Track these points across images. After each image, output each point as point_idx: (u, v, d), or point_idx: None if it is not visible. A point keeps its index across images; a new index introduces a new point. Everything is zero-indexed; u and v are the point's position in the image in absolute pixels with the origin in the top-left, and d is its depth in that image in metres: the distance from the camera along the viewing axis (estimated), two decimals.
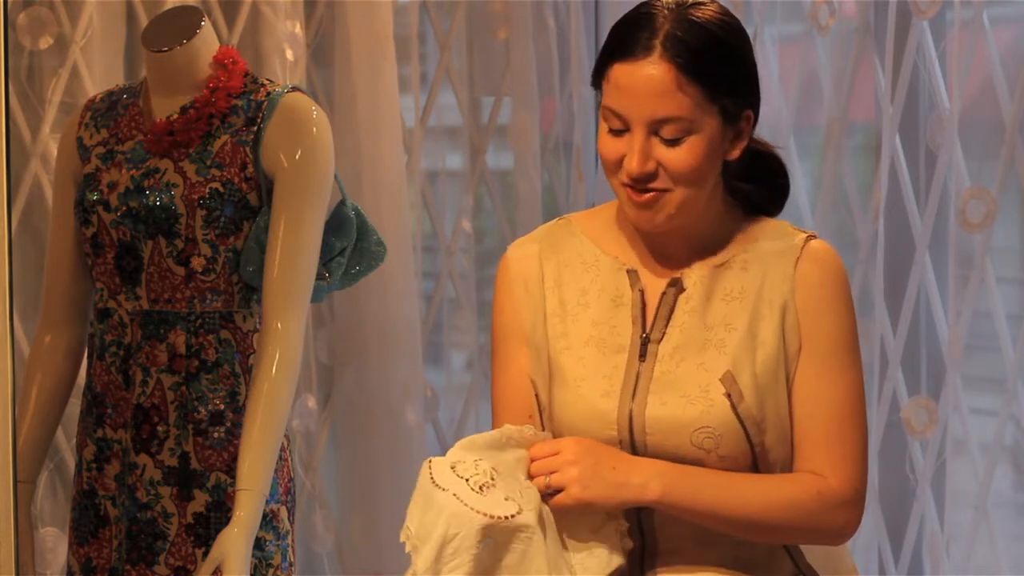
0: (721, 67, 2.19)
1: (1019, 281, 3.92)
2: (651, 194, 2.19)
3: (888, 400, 3.67)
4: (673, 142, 2.17)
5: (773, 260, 2.25)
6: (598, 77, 2.23)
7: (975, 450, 3.56)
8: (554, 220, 2.38)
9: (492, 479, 2.12)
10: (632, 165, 2.17)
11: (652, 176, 2.18)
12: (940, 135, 3.57)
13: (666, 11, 2.19)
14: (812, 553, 2.32)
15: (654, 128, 2.17)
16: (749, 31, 3.84)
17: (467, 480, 2.11)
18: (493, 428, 2.32)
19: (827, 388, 2.22)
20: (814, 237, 2.28)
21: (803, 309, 2.23)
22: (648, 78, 2.16)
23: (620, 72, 2.18)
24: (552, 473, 2.14)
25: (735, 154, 2.25)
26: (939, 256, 3.65)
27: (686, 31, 2.16)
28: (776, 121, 3.85)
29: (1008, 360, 3.49)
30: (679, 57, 2.15)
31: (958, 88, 3.49)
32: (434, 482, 2.10)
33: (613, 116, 2.19)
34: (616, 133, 2.20)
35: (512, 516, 2.09)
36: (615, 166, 2.21)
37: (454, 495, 2.09)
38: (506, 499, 2.10)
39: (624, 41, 2.19)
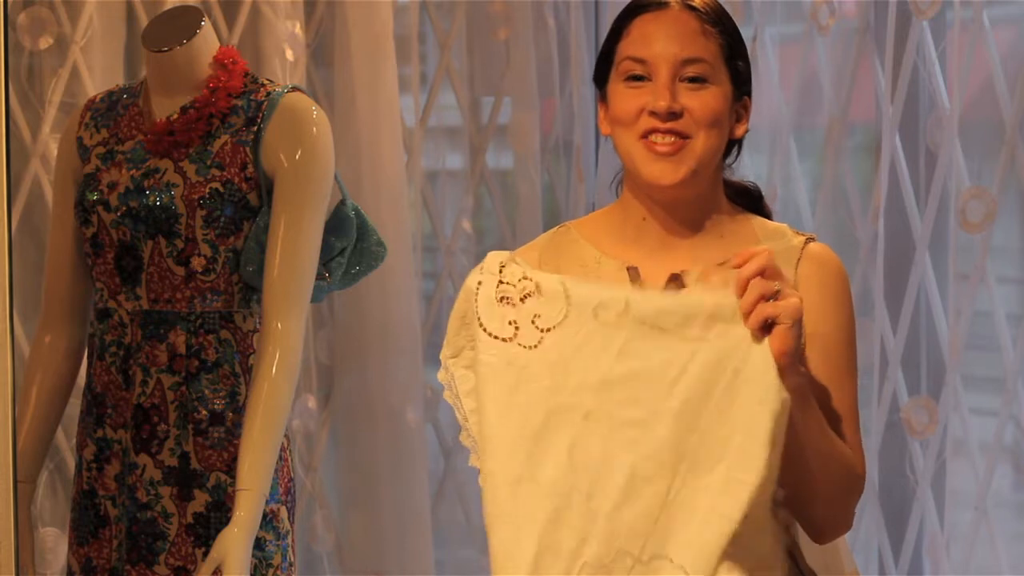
0: (730, 26, 2.27)
1: (1019, 281, 3.92)
2: (674, 143, 2.20)
3: (888, 400, 3.67)
4: (697, 87, 2.21)
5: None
6: (613, 43, 2.27)
7: (975, 450, 3.56)
8: (554, 228, 2.40)
9: (523, 298, 2.13)
10: (661, 102, 2.20)
11: (678, 116, 2.20)
12: (940, 135, 3.57)
13: None
14: (812, 554, 2.32)
15: (678, 71, 2.21)
16: (749, 31, 3.88)
17: (501, 283, 2.13)
18: None
19: (836, 387, 2.25)
20: (813, 239, 2.29)
21: (807, 310, 2.24)
22: (675, 20, 2.23)
23: (644, 21, 2.25)
24: (778, 297, 2.05)
25: (739, 132, 2.28)
26: (939, 256, 3.65)
27: None
28: (776, 121, 3.85)
29: (1008, 360, 3.49)
30: (696, 8, 2.24)
31: (958, 88, 3.49)
32: (480, 268, 2.15)
33: (635, 63, 2.23)
34: (635, 85, 2.23)
35: (504, 339, 2.11)
36: (633, 117, 2.22)
37: (479, 283, 2.14)
38: (509, 322, 2.12)
39: (639, 4, 2.27)
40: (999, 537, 3.53)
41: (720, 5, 2.28)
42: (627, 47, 2.25)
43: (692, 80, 2.22)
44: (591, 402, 2.08)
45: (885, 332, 3.67)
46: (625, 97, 2.24)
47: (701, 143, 2.22)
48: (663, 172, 2.22)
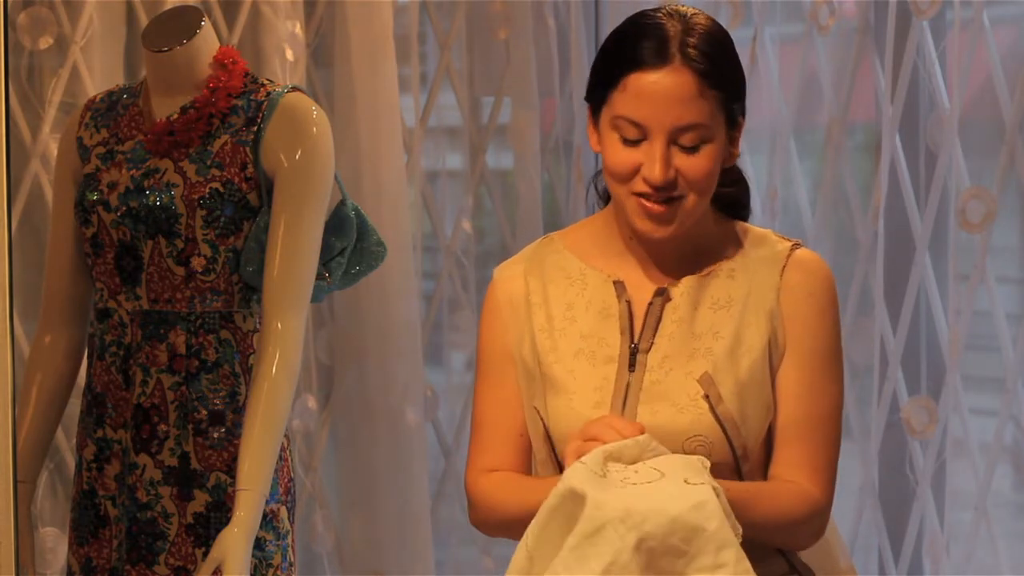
0: (732, 72, 2.23)
1: (1019, 281, 3.92)
2: (666, 205, 2.20)
3: (888, 400, 3.67)
4: (692, 150, 2.19)
5: (759, 268, 2.26)
6: (605, 88, 2.23)
7: (975, 450, 3.56)
8: (538, 239, 2.40)
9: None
10: (656, 174, 2.18)
11: (673, 184, 2.19)
12: (940, 135, 3.57)
13: (670, 20, 2.21)
14: (809, 552, 2.32)
15: (674, 136, 2.18)
16: (749, 31, 3.88)
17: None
18: (476, 436, 2.33)
19: (811, 397, 2.24)
20: (799, 246, 2.29)
21: (790, 317, 2.24)
22: (672, 86, 2.18)
23: (640, 81, 2.19)
24: None
25: (733, 160, 2.28)
26: (939, 256, 3.65)
27: (698, 38, 2.19)
28: (776, 121, 3.85)
29: (1008, 360, 3.49)
30: (699, 64, 2.18)
31: (958, 88, 3.49)
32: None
33: (630, 126, 2.19)
34: (631, 143, 2.20)
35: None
36: (628, 175, 2.21)
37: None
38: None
39: (637, 51, 2.20)
40: (999, 537, 3.53)
41: (720, 44, 2.21)
42: (622, 103, 2.20)
43: (688, 145, 2.20)
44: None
45: (885, 332, 3.67)
46: (619, 153, 2.21)
47: (693, 202, 2.22)
48: (655, 229, 2.22)
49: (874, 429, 3.66)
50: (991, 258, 3.49)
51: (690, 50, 2.17)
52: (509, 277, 2.36)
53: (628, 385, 2.23)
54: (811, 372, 2.24)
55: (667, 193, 2.20)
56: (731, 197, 2.35)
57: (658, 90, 2.17)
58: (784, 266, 2.26)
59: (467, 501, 2.35)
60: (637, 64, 2.19)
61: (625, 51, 2.21)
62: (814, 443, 2.23)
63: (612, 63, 2.22)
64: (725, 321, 2.24)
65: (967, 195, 3.47)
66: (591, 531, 2.06)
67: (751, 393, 2.21)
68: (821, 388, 2.25)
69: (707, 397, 2.20)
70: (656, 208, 2.20)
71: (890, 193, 3.63)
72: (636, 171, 2.20)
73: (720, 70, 2.19)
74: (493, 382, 2.33)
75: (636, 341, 2.25)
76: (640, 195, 2.20)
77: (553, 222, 4.05)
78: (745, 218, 2.37)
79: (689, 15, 2.22)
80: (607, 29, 4.13)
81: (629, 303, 2.27)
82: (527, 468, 2.33)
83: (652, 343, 2.24)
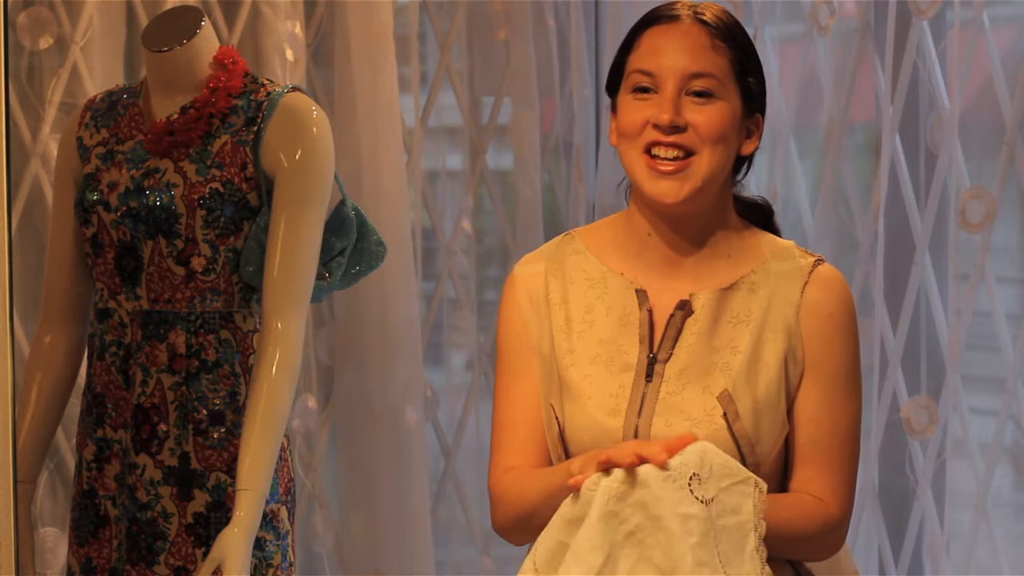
0: (744, 40, 2.27)
1: (1019, 281, 3.92)
2: (677, 162, 2.20)
3: (888, 400, 3.67)
4: (703, 102, 2.22)
5: (780, 283, 2.25)
6: (624, 55, 2.27)
7: (975, 450, 3.56)
8: (559, 236, 2.39)
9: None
10: (664, 114, 2.20)
11: (681, 130, 2.20)
12: (940, 135, 3.57)
13: (682, 2, 2.30)
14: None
15: (685, 85, 2.22)
16: (749, 31, 3.86)
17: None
18: (499, 435, 2.33)
19: (830, 416, 2.24)
20: (822, 261, 2.28)
21: (809, 336, 2.24)
22: (683, 34, 2.24)
23: (653, 33, 2.25)
24: None
25: (748, 149, 2.28)
26: (939, 256, 3.65)
27: (709, 9, 2.27)
28: (776, 121, 3.85)
29: (1008, 360, 3.49)
30: (708, 23, 2.25)
31: (958, 88, 3.49)
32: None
33: (643, 76, 2.24)
34: (642, 97, 2.23)
35: None
36: (638, 130, 2.23)
37: None
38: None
39: (651, 16, 2.28)
40: (999, 537, 3.53)
41: (734, 20, 2.27)
42: (636, 59, 2.25)
43: (698, 94, 2.22)
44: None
45: (885, 332, 3.67)
46: (631, 109, 2.24)
47: (705, 160, 2.21)
48: (667, 190, 2.22)
49: (874, 429, 3.66)
50: (991, 258, 3.49)
51: (700, 14, 2.26)
52: (530, 274, 2.35)
53: (644, 395, 2.23)
54: (830, 393, 2.24)
55: (676, 138, 2.20)
56: (755, 206, 2.35)
57: (670, 39, 2.24)
58: (806, 283, 2.26)
59: (490, 503, 2.33)
60: (650, 23, 2.27)
61: (639, 23, 2.29)
62: (833, 462, 2.24)
63: (629, 35, 2.29)
64: (743, 335, 2.23)
65: (967, 195, 3.47)
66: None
67: (767, 411, 2.21)
68: (840, 408, 2.25)
69: (725, 415, 2.20)
70: (665, 165, 2.21)
71: (890, 193, 3.63)
72: (646, 124, 2.22)
73: (731, 32, 2.25)
74: (515, 379, 2.32)
75: (655, 351, 2.24)
76: (650, 150, 2.21)
77: (553, 222, 4.05)
78: (773, 229, 2.36)
79: (700, 4, 2.30)
80: (607, 29, 4.13)
81: (650, 311, 2.26)
82: (549, 465, 2.32)
83: (671, 354, 2.23)
